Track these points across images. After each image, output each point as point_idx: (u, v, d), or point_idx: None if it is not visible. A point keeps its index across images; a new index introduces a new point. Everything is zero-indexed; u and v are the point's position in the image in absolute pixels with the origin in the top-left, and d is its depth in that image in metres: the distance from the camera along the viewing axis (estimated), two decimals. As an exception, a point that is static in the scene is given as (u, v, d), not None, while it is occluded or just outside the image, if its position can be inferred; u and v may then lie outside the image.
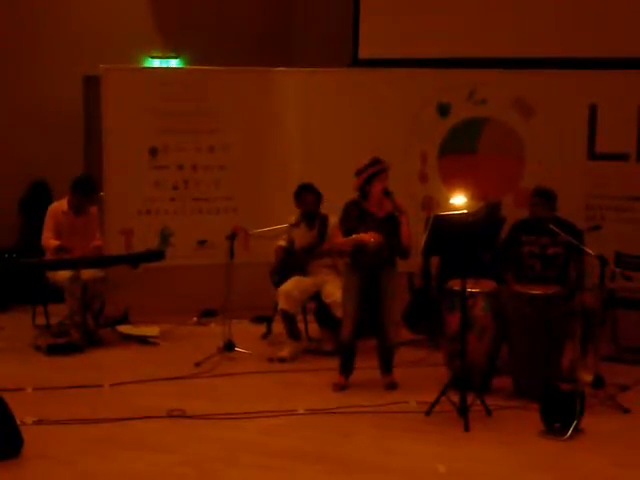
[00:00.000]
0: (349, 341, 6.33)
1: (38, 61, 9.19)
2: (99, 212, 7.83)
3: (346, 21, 8.72)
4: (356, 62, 8.60)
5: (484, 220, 6.24)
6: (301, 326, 7.37)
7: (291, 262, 7.21)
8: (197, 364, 6.82)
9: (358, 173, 6.23)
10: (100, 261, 7.51)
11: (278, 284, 7.15)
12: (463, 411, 5.62)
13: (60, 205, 7.62)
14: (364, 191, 6.22)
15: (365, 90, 8.08)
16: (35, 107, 9.13)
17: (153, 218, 8.14)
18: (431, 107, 8.04)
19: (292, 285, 7.06)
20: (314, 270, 7.18)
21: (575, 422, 5.41)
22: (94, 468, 4.99)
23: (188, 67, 9.25)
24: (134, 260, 7.59)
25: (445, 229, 5.79)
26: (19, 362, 6.91)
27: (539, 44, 8.02)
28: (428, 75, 8.01)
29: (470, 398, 5.67)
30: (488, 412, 5.80)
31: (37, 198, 8.99)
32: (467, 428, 5.54)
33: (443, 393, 5.77)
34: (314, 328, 7.52)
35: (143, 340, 7.53)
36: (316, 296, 7.17)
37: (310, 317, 7.56)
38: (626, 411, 5.89)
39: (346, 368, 6.38)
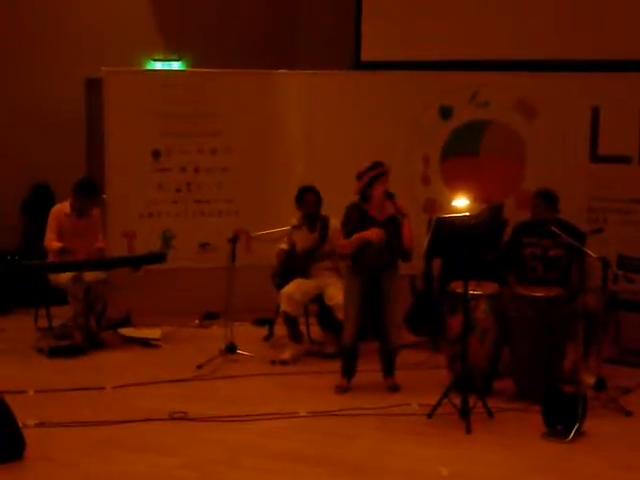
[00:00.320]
0: (351, 344, 6.32)
1: (40, 63, 9.19)
2: (101, 214, 7.82)
3: (348, 23, 8.71)
4: (358, 65, 8.59)
5: (486, 222, 6.22)
6: (303, 329, 7.36)
7: (293, 265, 7.20)
8: (199, 366, 6.81)
9: (359, 176, 6.23)
10: (102, 263, 7.49)
11: (280, 287, 7.15)
12: (465, 413, 5.62)
13: (63, 207, 7.62)
14: (365, 194, 6.22)
15: (367, 93, 8.06)
16: (37, 109, 9.13)
17: (155, 221, 8.13)
18: (433, 110, 8.04)
19: (294, 288, 7.06)
20: (316, 272, 7.18)
21: (577, 425, 5.41)
22: (96, 470, 4.99)
23: (190, 69, 9.25)
24: (136, 262, 7.61)
25: (447, 231, 5.78)
26: (21, 364, 6.91)
27: (541, 46, 8.00)
28: (430, 78, 8.01)
29: (472, 400, 5.67)
30: (490, 414, 5.79)
31: (39, 200, 9.01)
32: (469, 430, 5.53)
33: (445, 395, 5.77)
34: (316, 331, 7.50)
35: (145, 342, 7.53)
36: (318, 299, 7.17)
37: (312, 319, 7.55)
38: (628, 413, 5.88)
39: (348, 371, 6.37)
